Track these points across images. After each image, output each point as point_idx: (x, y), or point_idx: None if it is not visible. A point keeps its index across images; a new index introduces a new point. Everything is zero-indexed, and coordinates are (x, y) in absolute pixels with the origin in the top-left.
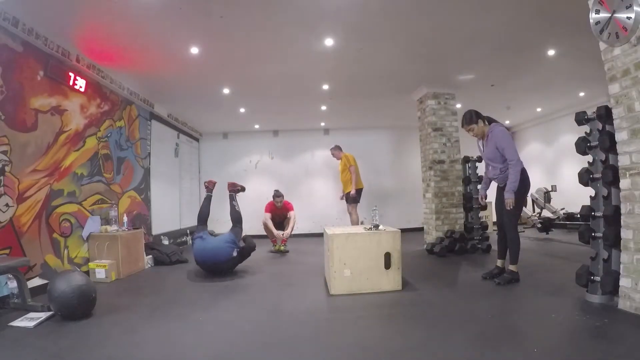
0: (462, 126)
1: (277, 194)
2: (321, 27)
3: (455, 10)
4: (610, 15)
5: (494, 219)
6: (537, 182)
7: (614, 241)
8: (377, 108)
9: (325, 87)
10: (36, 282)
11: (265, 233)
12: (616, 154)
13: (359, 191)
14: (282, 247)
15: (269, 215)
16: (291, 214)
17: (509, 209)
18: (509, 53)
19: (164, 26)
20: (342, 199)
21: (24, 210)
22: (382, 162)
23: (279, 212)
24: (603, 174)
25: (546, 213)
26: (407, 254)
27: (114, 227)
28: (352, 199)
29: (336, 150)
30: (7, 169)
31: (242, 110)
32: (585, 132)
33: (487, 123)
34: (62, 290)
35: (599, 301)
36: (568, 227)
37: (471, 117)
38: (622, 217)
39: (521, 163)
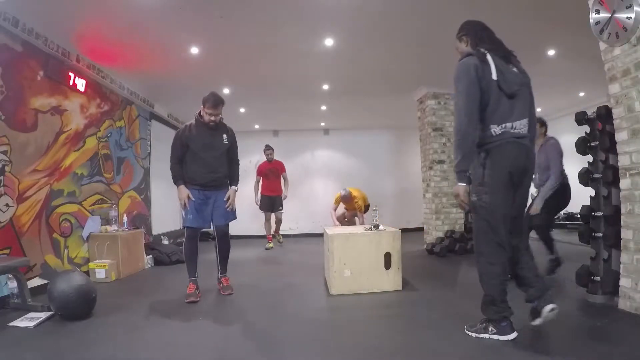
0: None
1: (267, 147)
2: (321, 27)
3: (455, 11)
4: (610, 15)
5: None
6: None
7: (614, 241)
8: (377, 108)
9: (325, 87)
10: (36, 282)
11: (265, 233)
12: (616, 154)
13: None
14: (277, 237)
15: (259, 178)
16: (285, 175)
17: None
18: None
19: (164, 26)
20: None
21: (24, 210)
22: (382, 162)
23: (272, 168)
24: (603, 174)
25: None
26: (407, 254)
27: (114, 227)
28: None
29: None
30: (7, 169)
31: (242, 110)
32: (585, 132)
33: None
34: (62, 290)
35: (599, 301)
36: (568, 227)
37: (544, 123)
38: (622, 217)
39: (563, 178)
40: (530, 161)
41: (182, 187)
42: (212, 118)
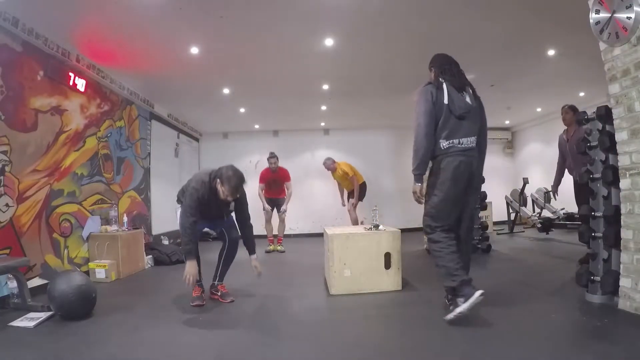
0: (564, 107)
1: (272, 155)
2: (321, 27)
3: (456, 11)
4: (610, 15)
5: (495, 218)
6: (537, 182)
7: (614, 241)
8: (377, 108)
9: (325, 87)
10: (36, 282)
11: (265, 233)
12: (616, 154)
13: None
14: (278, 248)
15: (262, 185)
16: (288, 184)
17: None
18: (509, 53)
19: (164, 26)
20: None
21: (24, 210)
22: (382, 162)
23: (275, 178)
24: (603, 174)
25: (546, 213)
26: (407, 254)
27: (114, 227)
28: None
29: (330, 162)
30: (7, 169)
31: (242, 110)
32: (585, 132)
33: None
34: (62, 290)
35: (599, 301)
36: (568, 227)
37: (575, 109)
38: (622, 217)
39: None
40: (474, 169)
41: (194, 263)
42: (229, 199)
